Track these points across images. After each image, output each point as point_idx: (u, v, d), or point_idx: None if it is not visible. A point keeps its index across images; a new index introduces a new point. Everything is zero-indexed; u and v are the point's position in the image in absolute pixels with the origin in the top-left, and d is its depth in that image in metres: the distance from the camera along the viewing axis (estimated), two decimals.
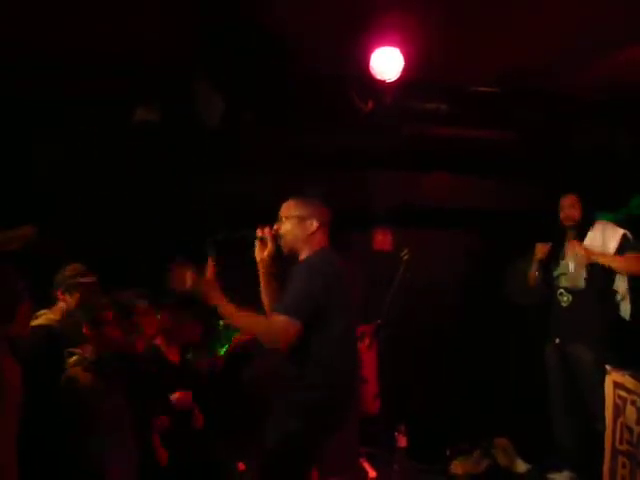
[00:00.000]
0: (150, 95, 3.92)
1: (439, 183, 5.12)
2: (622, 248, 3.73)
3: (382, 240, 5.20)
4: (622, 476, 3.02)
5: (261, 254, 2.74)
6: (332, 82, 3.77)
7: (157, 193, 4.52)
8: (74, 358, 2.81)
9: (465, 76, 3.94)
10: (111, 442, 2.76)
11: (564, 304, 3.90)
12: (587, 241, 3.84)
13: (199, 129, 3.82)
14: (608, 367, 3.18)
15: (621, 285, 3.78)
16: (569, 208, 3.92)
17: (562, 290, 3.93)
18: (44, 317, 2.88)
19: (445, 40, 3.45)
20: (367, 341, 4.30)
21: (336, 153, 4.33)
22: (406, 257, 4.09)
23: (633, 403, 2.97)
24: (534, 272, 4.07)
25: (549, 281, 4.05)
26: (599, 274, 3.78)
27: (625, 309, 3.76)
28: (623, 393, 3.04)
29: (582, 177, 4.40)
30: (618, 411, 3.06)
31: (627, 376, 3.05)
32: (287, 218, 2.68)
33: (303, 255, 2.66)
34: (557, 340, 3.92)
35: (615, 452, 3.06)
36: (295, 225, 2.66)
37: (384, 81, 3.59)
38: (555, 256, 4.01)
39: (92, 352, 2.83)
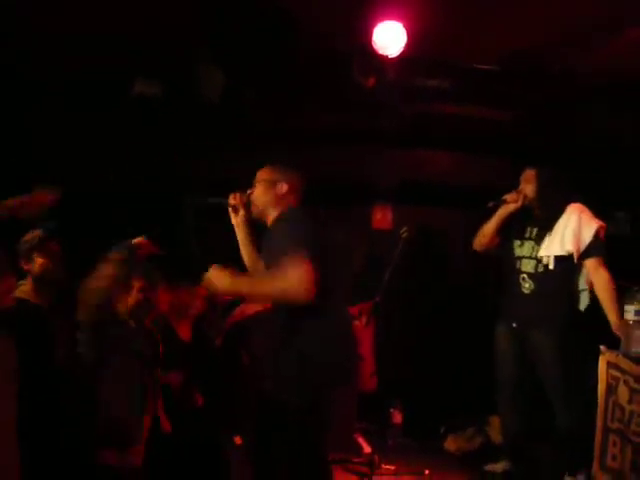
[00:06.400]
0: (150, 69, 3.89)
1: (440, 160, 5.10)
2: (591, 246, 3.45)
3: (382, 218, 5.19)
4: (613, 454, 3.05)
5: (235, 220, 2.85)
6: (333, 57, 3.74)
7: (154, 167, 4.51)
8: None
9: (468, 53, 3.91)
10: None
11: (526, 291, 3.61)
12: (561, 223, 3.54)
13: (199, 104, 3.80)
14: (602, 347, 3.18)
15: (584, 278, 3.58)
16: (524, 182, 3.66)
17: (525, 275, 3.63)
18: (18, 289, 2.83)
19: (449, 16, 3.41)
20: (364, 319, 4.31)
21: (336, 129, 4.32)
22: (405, 235, 4.09)
23: (626, 383, 3.00)
24: (494, 228, 3.73)
25: (507, 252, 3.75)
26: (564, 262, 3.53)
27: (583, 300, 3.57)
28: (616, 373, 3.05)
29: (584, 159, 4.38)
30: (610, 390, 3.09)
31: (621, 356, 3.07)
32: (258, 182, 2.75)
33: (271, 218, 2.67)
34: (514, 324, 3.67)
35: (606, 430, 3.09)
36: (264, 189, 2.71)
37: (386, 56, 3.56)
38: (520, 230, 3.72)
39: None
